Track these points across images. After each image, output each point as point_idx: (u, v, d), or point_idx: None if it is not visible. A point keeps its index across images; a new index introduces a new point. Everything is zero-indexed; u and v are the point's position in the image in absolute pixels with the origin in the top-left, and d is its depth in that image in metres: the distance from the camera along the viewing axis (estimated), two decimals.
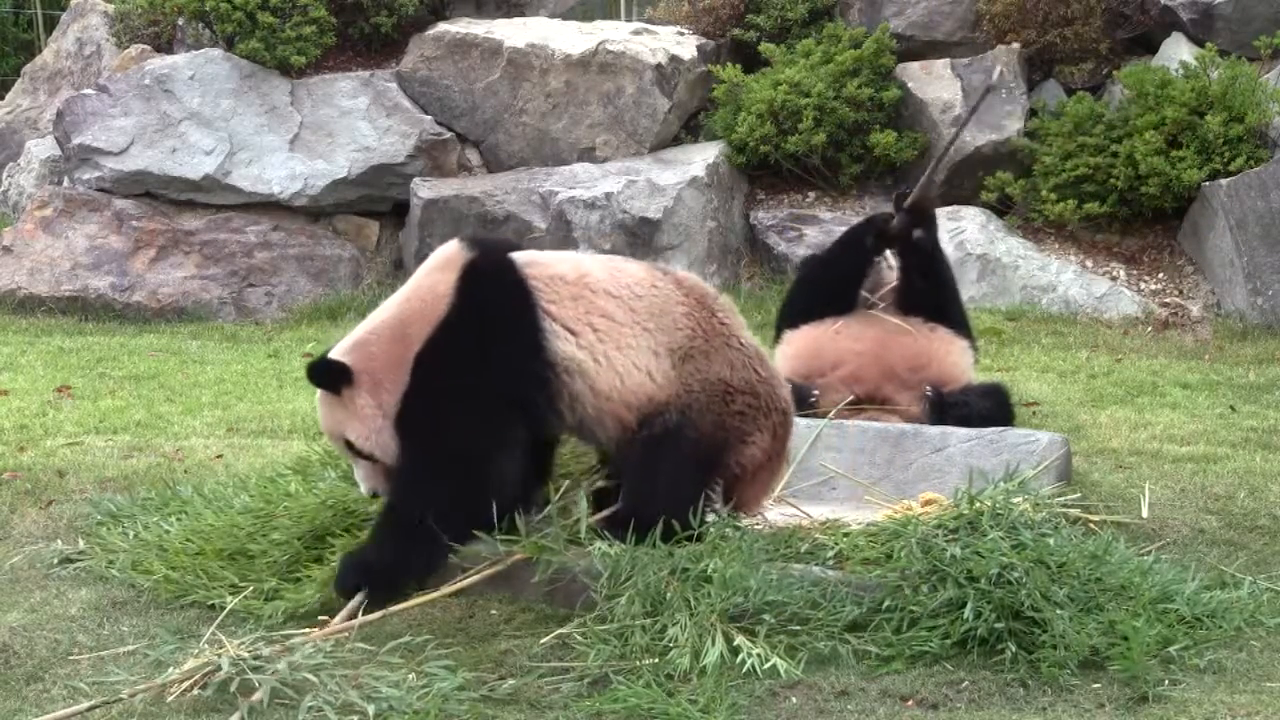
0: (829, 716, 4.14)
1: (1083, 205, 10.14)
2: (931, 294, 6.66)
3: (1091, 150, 10.20)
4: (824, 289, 6.78)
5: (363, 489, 4.99)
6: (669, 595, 4.47)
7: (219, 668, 4.22)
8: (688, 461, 4.90)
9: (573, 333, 4.90)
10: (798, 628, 4.45)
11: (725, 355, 5.02)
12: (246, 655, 4.29)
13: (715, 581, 4.49)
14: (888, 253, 6.74)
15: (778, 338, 6.84)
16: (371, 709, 4.07)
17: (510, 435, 4.86)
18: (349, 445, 4.92)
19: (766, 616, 4.44)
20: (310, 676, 4.20)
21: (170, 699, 4.16)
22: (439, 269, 4.97)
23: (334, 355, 4.89)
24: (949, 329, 6.66)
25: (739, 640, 4.37)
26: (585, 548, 4.68)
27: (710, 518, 4.89)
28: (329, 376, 4.87)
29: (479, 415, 4.83)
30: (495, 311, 4.92)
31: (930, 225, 6.71)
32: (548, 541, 4.70)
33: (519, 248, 5.20)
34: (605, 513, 4.90)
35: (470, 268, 4.94)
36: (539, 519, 4.83)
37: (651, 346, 4.93)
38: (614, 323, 4.94)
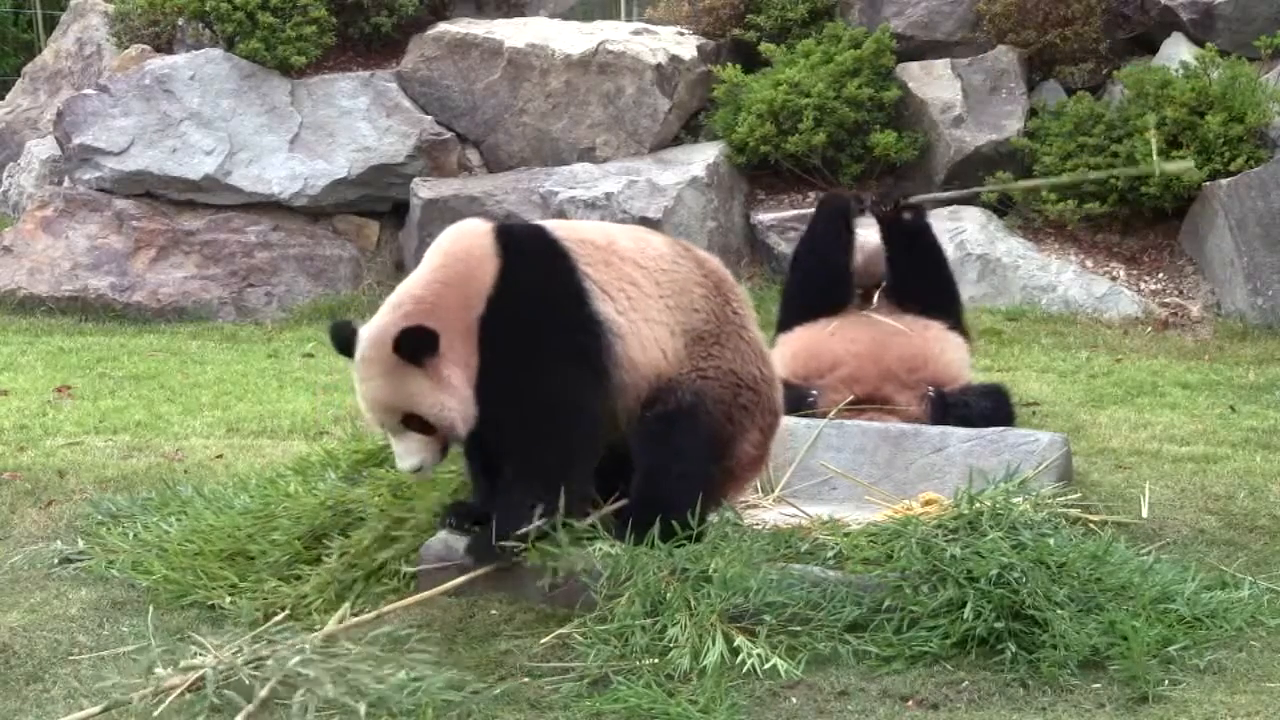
0: (829, 716, 4.14)
1: (1083, 205, 10.15)
2: (924, 274, 6.65)
3: (1091, 150, 10.20)
4: (818, 283, 6.77)
5: (404, 464, 4.75)
6: (669, 595, 4.47)
7: (206, 675, 4.22)
8: (702, 445, 4.87)
9: (610, 296, 4.82)
10: (798, 628, 4.44)
11: (736, 345, 4.99)
12: (237, 659, 4.29)
13: (715, 582, 4.48)
14: (874, 240, 6.73)
15: (774, 340, 6.82)
16: (362, 707, 4.07)
17: (594, 386, 4.77)
18: (408, 420, 4.68)
19: (767, 617, 4.44)
20: (304, 671, 4.21)
21: (162, 707, 4.16)
22: (463, 238, 4.82)
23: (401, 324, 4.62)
24: (943, 324, 6.66)
25: (739, 640, 4.37)
26: (587, 547, 4.67)
27: (711, 516, 4.89)
28: (419, 346, 4.60)
29: (569, 369, 4.73)
30: (546, 269, 4.80)
31: (918, 210, 6.74)
32: (551, 545, 4.69)
33: None
34: (616, 505, 4.86)
35: (503, 232, 4.83)
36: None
37: (670, 324, 4.88)
38: (643, 293, 4.87)
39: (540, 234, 4.92)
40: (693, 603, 4.43)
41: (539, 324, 4.74)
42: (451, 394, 4.64)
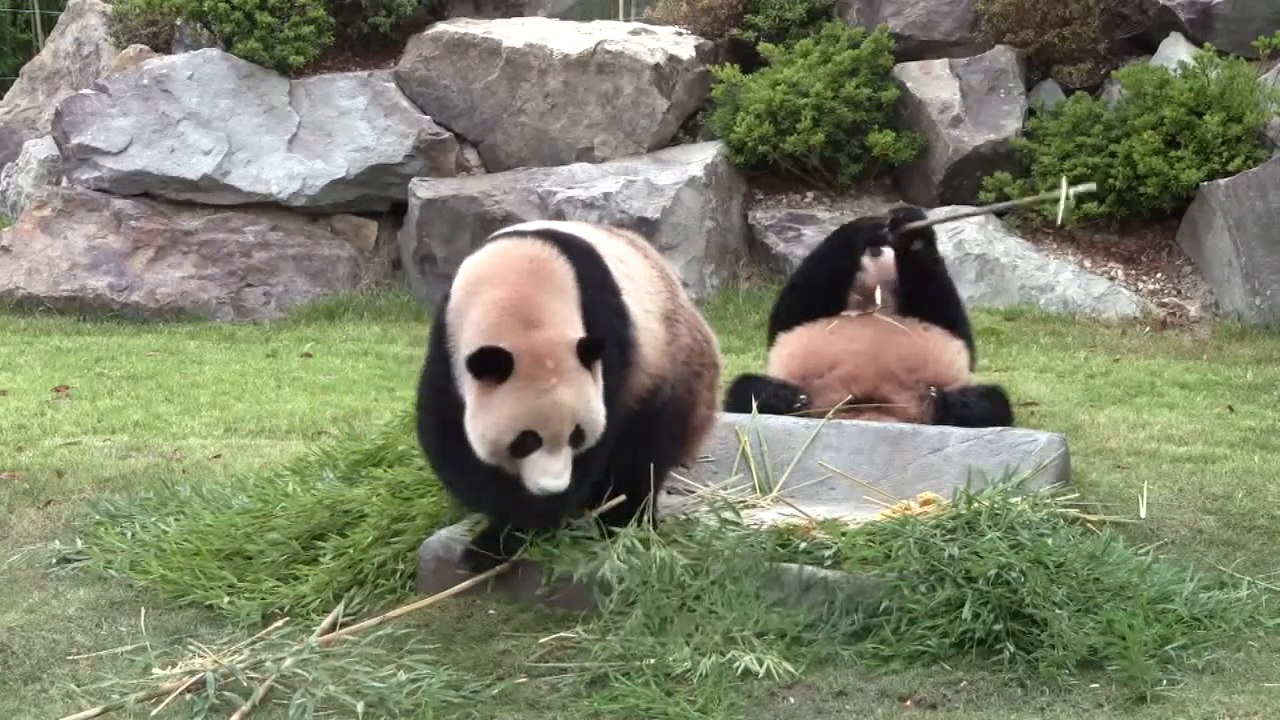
0: (827, 717, 4.14)
1: (1081, 205, 10.14)
2: (932, 303, 6.65)
3: (1090, 150, 10.20)
4: (813, 292, 6.77)
5: (561, 482, 4.46)
6: (674, 622, 4.46)
7: (206, 678, 4.22)
8: (672, 434, 4.93)
9: (627, 291, 4.80)
10: (800, 647, 4.44)
11: (684, 317, 5.03)
12: (235, 661, 4.30)
13: (721, 608, 4.48)
14: (886, 255, 6.70)
15: (771, 340, 6.82)
16: (360, 705, 4.08)
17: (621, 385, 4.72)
18: (575, 433, 4.51)
19: (769, 636, 4.44)
20: (301, 672, 4.22)
21: (160, 707, 4.16)
22: (520, 248, 4.64)
23: (550, 335, 4.47)
24: (944, 329, 6.65)
25: (739, 650, 4.36)
26: (589, 553, 4.67)
27: (711, 520, 4.89)
28: (596, 351, 4.48)
29: (618, 370, 4.68)
30: (598, 269, 4.73)
31: (929, 239, 6.71)
32: (552, 546, 4.70)
33: None
34: (614, 503, 4.86)
35: (550, 237, 4.69)
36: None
37: (654, 312, 4.88)
38: (635, 285, 4.86)
39: (574, 237, 4.82)
40: (696, 630, 4.42)
41: (609, 325, 4.67)
42: (602, 400, 4.55)
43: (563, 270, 4.60)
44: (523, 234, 4.80)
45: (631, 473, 4.81)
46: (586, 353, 4.47)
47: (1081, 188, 6.71)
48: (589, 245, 4.79)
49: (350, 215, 11.24)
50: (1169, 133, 10.01)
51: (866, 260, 6.69)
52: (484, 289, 4.58)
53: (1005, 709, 4.16)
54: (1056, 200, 6.45)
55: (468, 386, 4.51)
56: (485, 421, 4.47)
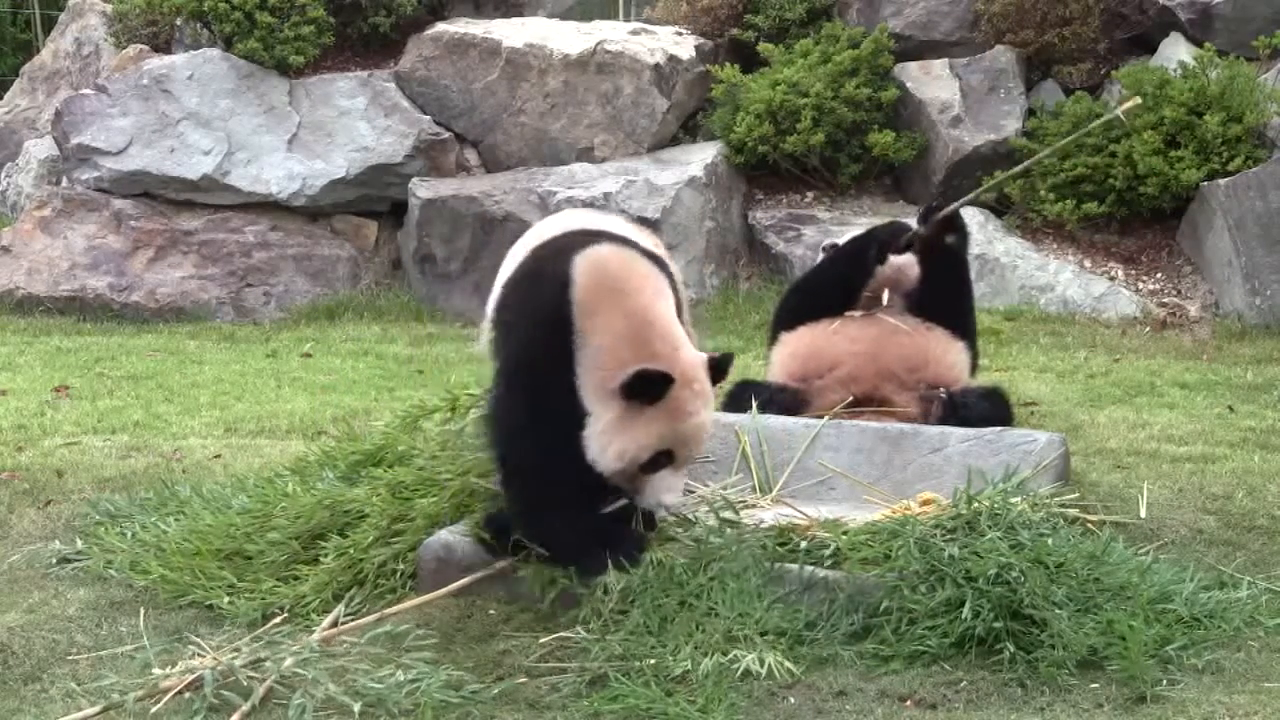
0: (827, 716, 4.14)
1: (1081, 205, 10.15)
2: (948, 304, 6.63)
3: (1090, 150, 10.20)
4: (818, 293, 6.76)
5: (681, 497, 4.69)
6: (674, 621, 4.47)
7: (204, 676, 4.22)
8: None
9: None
10: (801, 646, 4.44)
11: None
12: (234, 660, 4.30)
13: (721, 606, 4.48)
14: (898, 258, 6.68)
15: (773, 339, 6.82)
16: (358, 705, 4.08)
17: None
18: None
19: (769, 636, 4.44)
20: (301, 671, 4.22)
21: (159, 706, 4.17)
22: (619, 257, 4.67)
23: (691, 355, 4.60)
24: (946, 330, 6.64)
25: (740, 650, 4.36)
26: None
27: (710, 520, 4.89)
28: (726, 371, 4.70)
29: None
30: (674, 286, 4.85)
31: (962, 234, 6.71)
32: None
33: None
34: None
35: (646, 254, 4.76)
36: None
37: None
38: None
39: (655, 253, 4.88)
40: (697, 628, 4.43)
41: None
42: None
43: (667, 286, 4.71)
44: (614, 238, 4.76)
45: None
46: (718, 372, 4.61)
47: (1129, 105, 6.58)
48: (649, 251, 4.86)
49: (350, 215, 11.24)
50: (1169, 133, 10.01)
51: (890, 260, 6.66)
52: (615, 296, 4.56)
53: (1005, 709, 4.16)
54: (1088, 134, 6.30)
55: (604, 399, 4.51)
56: (628, 438, 4.50)
